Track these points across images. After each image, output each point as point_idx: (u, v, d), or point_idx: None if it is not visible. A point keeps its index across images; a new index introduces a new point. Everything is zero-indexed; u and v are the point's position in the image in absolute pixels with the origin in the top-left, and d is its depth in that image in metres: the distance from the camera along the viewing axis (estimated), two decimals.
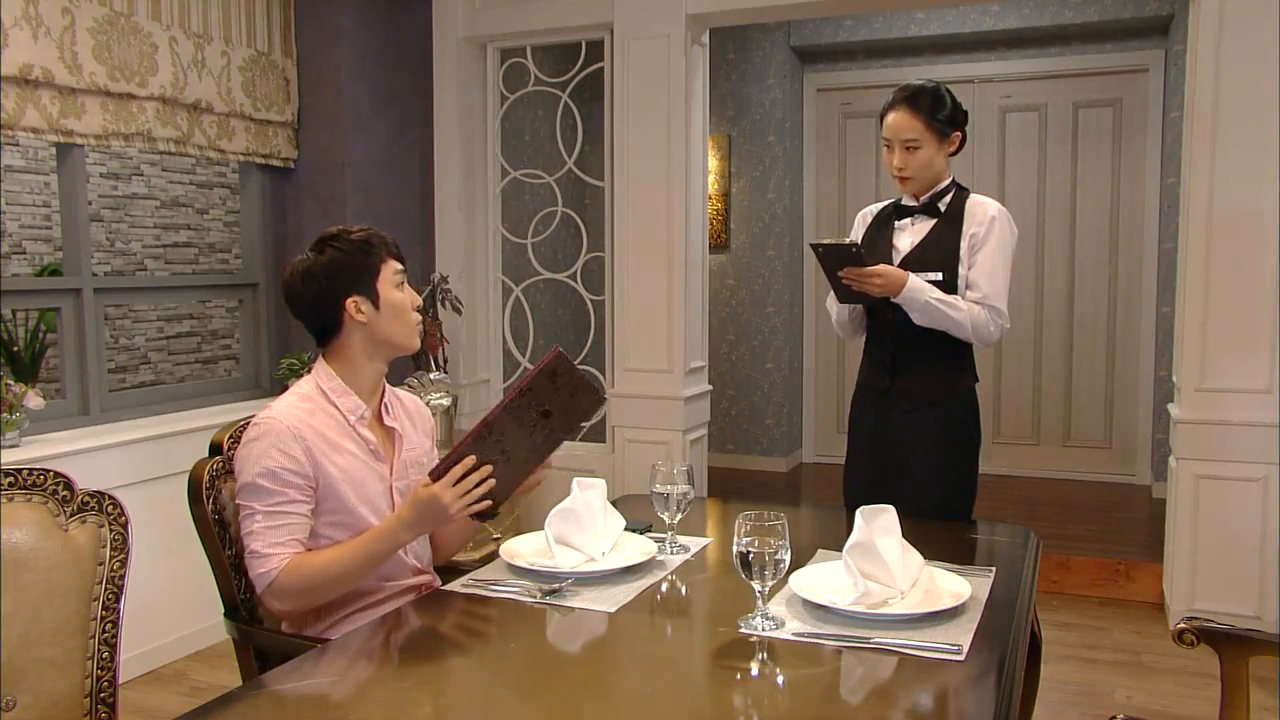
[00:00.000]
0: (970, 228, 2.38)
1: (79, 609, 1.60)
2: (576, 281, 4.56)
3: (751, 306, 6.02)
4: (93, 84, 3.21)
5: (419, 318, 1.92)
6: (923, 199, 2.44)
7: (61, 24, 3.11)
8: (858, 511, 1.63)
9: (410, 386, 3.89)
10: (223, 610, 1.87)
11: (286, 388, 2.06)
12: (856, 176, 6.04)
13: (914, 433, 2.43)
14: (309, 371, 1.92)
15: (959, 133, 2.41)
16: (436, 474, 1.68)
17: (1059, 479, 5.68)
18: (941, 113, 2.37)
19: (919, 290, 2.31)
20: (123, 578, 1.65)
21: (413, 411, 2.03)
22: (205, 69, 3.64)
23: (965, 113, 2.44)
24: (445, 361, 4.27)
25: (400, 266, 1.89)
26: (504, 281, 4.70)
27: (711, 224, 5.83)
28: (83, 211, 3.40)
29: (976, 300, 2.35)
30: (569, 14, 4.26)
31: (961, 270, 2.38)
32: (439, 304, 4.21)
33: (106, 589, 1.63)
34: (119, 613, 1.64)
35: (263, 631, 1.82)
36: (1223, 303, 3.39)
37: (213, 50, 3.67)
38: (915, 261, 2.39)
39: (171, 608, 3.38)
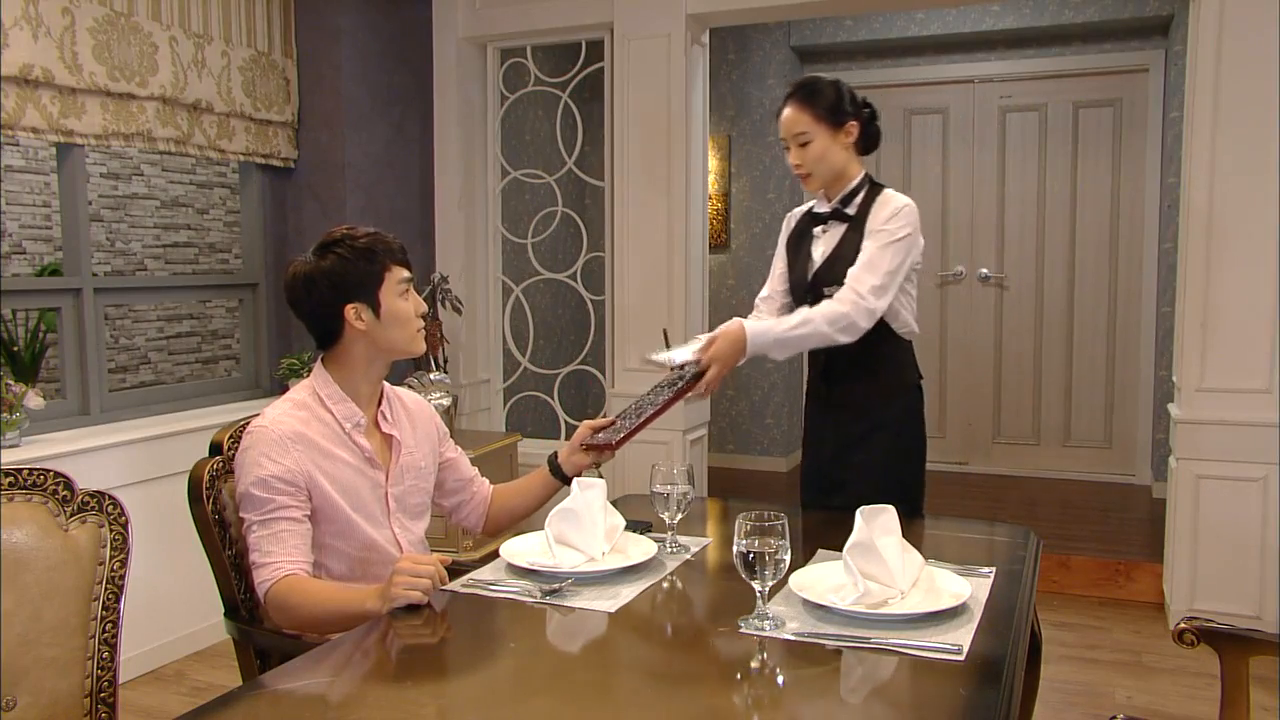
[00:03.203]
0: (872, 226, 2.27)
1: (79, 609, 1.60)
2: (576, 281, 4.56)
3: (751, 306, 6.00)
4: (93, 84, 3.21)
5: (422, 324, 1.90)
6: (833, 203, 2.35)
7: (61, 24, 3.11)
8: (858, 511, 1.63)
9: (410, 386, 3.89)
10: (223, 610, 1.87)
11: (287, 388, 2.06)
12: None
13: (856, 438, 2.38)
14: (309, 373, 1.91)
15: (854, 122, 2.30)
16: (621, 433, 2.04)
17: (1059, 479, 5.67)
18: (825, 103, 2.27)
19: (762, 335, 2.20)
20: (123, 578, 1.65)
21: (414, 412, 2.01)
22: (205, 69, 3.64)
23: (863, 103, 2.33)
24: (445, 361, 4.27)
25: (407, 274, 1.85)
26: (504, 281, 4.70)
27: (711, 224, 5.83)
28: (83, 211, 3.40)
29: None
30: (569, 14, 4.26)
31: None
32: (439, 304, 4.21)
33: (106, 589, 1.63)
34: (119, 613, 1.64)
35: (263, 631, 1.82)
36: (1223, 303, 3.39)
37: (213, 50, 3.67)
38: (824, 275, 2.30)
39: (171, 608, 3.38)
